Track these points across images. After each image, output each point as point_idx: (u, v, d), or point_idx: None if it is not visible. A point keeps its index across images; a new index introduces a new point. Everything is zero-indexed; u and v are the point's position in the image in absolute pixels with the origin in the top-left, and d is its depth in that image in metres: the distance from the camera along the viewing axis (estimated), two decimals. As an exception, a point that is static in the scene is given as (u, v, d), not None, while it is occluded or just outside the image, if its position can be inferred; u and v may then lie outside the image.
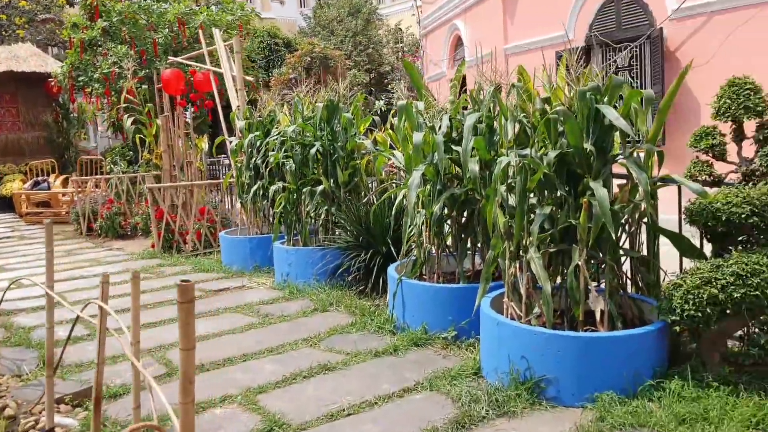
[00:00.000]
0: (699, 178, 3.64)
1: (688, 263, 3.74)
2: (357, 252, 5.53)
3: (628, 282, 4.10)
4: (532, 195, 3.80)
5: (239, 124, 7.06)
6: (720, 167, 3.67)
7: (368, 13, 27.05)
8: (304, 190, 5.94)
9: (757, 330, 3.37)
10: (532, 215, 3.71)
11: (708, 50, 8.49)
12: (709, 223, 3.40)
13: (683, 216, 3.60)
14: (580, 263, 3.49)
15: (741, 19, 8.33)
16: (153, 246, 8.38)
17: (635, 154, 3.56)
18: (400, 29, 27.39)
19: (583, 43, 10.34)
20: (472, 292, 4.23)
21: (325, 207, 5.99)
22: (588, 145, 3.44)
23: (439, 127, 4.58)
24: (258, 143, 6.69)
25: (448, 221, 4.76)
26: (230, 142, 7.08)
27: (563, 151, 3.53)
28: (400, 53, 25.77)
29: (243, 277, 6.61)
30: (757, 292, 3.18)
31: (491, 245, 4.01)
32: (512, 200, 3.84)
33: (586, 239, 3.47)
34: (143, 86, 11.65)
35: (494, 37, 11.95)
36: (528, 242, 3.69)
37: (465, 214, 4.69)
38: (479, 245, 4.68)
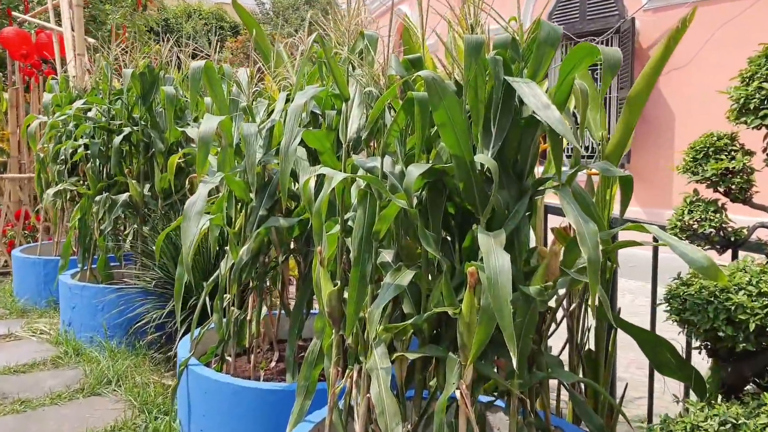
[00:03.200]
0: (699, 232, 1.94)
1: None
2: (164, 299, 3.72)
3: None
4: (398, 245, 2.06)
5: (45, 98, 5.16)
6: (739, 211, 1.99)
7: (326, 2, 25.45)
8: (98, 198, 4.08)
9: None
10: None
11: (689, 50, 6.94)
12: (721, 329, 1.70)
13: (662, 302, 1.89)
14: (460, 391, 1.75)
15: (731, 13, 6.82)
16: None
17: (574, 181, 1.86)
18: (364, 23, 25.98)
19: (539, 34, 8.76)
20: (292, 393, 2.49)
21: (135, 225, 4.15)
22: (484, 157, 1.70)
23: (270, 111, 2.83)
24: (70, 125, 4.80)
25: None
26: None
27: (438, 167, 1.79)
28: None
29: (24, 318, 4.71)
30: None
31: (315, 328, 2.25)
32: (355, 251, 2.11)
33: (470, 345, 1.72)
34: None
35: (442, 23, 10.32)
36: (371, 335, 1.94)
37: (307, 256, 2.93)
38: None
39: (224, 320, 2.82)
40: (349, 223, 2.10)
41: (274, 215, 2.80)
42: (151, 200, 4.08)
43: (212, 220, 2.58)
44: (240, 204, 2.81)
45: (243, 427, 2.61)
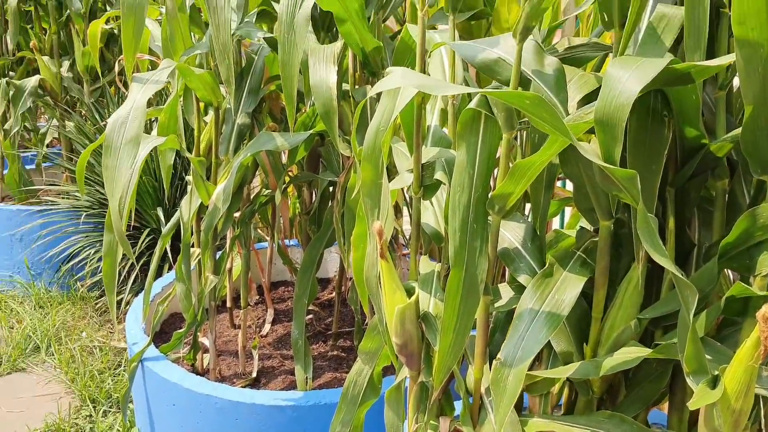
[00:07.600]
0: None
1: None
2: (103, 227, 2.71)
3: None
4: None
5: None
6: None
7: None
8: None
9: None
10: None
11: None
12: None
13: None
14: None
15: None
16: None
17: None
18: None
19: None
20: (318, 413, 1.64)
21: (54, 121, 3.03)
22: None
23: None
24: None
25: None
26: None
27: (681, 67, 0.77)
28: None
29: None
30: None
31: (361, 348, 1.30)
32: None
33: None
34: None
35: None
36: (497, 401, 1.00)
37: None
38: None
39: (193, 293, 1.85)
40: (437, 175, 1.09)
41: (259, 124, 1.77)
42: (73, 84, 2.94)
43: (161, 145, 1.52)
44: (205, 108, 1.75)
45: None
